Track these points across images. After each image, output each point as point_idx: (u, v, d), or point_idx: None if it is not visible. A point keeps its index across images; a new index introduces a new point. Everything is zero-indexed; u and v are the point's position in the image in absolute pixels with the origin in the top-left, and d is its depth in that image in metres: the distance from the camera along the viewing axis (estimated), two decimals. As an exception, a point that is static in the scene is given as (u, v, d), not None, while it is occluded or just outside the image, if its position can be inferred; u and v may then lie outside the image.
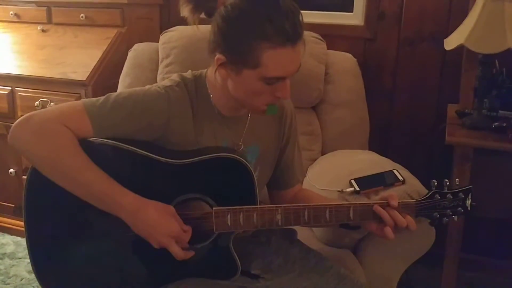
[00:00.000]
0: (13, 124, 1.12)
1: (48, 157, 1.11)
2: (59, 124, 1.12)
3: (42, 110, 1.16)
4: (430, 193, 1.22)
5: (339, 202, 1.25)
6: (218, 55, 1.14)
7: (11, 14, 2.65)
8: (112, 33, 2.41)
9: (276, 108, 1.21)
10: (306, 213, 1.19)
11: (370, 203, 1.21)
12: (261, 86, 1.13)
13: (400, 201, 1.20)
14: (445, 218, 1.22)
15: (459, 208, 1.22)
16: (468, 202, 1.22)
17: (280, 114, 1.36)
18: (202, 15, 1.20)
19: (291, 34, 1.08)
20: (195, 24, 1.21)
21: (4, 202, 2.59)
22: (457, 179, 1.24)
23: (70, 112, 1.15)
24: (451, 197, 1.21)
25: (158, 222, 1.12)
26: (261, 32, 1.07)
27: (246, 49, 1.09)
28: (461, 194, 1.22)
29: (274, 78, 1.12)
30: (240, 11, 1.10)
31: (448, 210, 1.21)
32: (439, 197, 1.21)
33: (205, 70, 1.28)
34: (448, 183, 1.22)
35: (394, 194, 1.20)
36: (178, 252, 1.13)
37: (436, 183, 1.21)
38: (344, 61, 2.15)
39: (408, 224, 1.18)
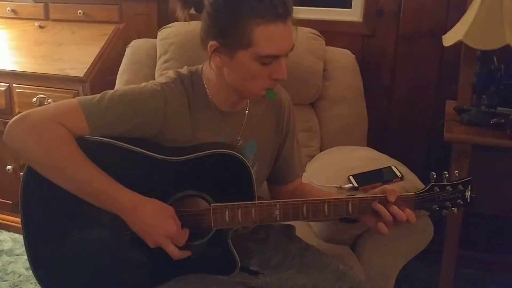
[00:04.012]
0: (8, 123, 1.12)
1: (44, 155, 1.10)
2: (55, 123, 1.11)
3: (37, 108, 1.15)
4: (429, 186, 1.20)
5: (338, 196, 1.24)
6: (211, 42, 1.14)
7: (8, 10, 2.64)
8: (109, 29, 2.40)
9: (274, 93, 1.21)
10: (304, 207, 1.19)
11: (368, 196, 1.21)
12: (257, 68, 1.13)
13: (399, 194, 1.19)
14: (444, 210, 1.21)
15: (459, 200, 1.21)
16: (468, 194, 1.21)
17: (278, 108, 1.35)
18: (192, 11, 1.21)
19: (281, 10, 1.09)
20: (186, 21, 1.21)
21: (2, 199, 2.59)
22: (456, 171, 1.23)
23: (65, 111, 1.14)
24: (450, 189, 1.20)
25: (156, 221, 1.11)
26: (251, 10, 1.08)
27: (237, 29, 1.10)
28: (460, 186, 1.20)
29: (269, 57, 1.12)
30: None
31: (448, 202, 1.20)
32: (438, 190, 1.20)
33: (201, 65, 1.27)
34: (447, 175, 1.21)
35: (395, 189, 1.20)
36: (174, 251, 1.12)
37: (435, 176, 1.20)
38: (343, 57, 2.15)
39: (408, 218, 1.18)
